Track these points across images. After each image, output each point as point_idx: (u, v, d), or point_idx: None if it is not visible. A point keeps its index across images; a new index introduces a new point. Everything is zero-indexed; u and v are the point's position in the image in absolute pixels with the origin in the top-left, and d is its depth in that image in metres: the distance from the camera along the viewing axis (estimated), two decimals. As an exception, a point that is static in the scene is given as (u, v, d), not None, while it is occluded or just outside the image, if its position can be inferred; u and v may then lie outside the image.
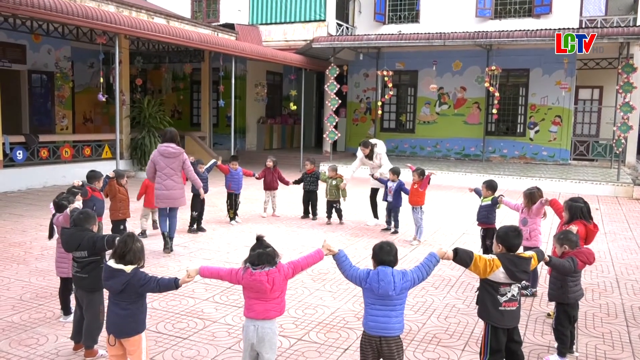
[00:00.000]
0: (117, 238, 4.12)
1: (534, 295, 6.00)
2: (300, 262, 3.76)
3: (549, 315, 5.40)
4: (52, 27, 14.23)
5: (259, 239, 3.64)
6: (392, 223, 9.12)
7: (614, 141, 14.63)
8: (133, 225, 8.33)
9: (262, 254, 3.54)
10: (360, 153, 9.88)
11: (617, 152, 14.61)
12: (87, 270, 4.33)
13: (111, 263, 3.63)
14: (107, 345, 3.72)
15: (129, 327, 3.63)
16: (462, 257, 3.73)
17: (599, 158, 18.55)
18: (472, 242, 8.53)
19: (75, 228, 4.41)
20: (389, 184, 9.00)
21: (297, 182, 10.25)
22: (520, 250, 3.97)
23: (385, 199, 9.16)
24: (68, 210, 4.68)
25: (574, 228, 4.92)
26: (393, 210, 9.06)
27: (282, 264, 3.62)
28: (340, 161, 17.25)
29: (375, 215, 9.73)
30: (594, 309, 5.74)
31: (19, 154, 12.62)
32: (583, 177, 15.08)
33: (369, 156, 9.76)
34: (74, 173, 12.71)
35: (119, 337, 3.65)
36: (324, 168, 15.73)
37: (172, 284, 3.61)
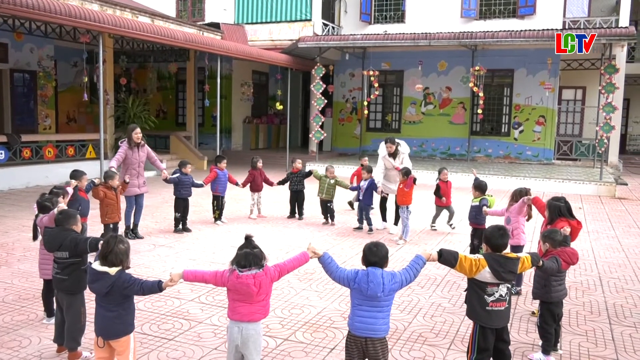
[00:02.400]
0: (101, 241, 4.09)
1: (518, 293, 6.05)
2: (286, 264, 3.75)
3: (533, 313, 5.45)
4: (35, 26, 14.05)
5: (248, 238, 3.62)
6: (365, 222, 9.19)
7: (597, 141, 14.81)
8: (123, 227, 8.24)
9: (249, 254, 3.52)
10: (382, 151, 9.24)
11: (600, 151, 14.79)
12: (67, 272, 4.28)
13: (95, 265, 3.59)
14: (95, 347, 3.69)
15: (117, 328, 3.60)
16: (446, 258, 3.75)
17: (582, 158, 18.77)
18: (458, 241, 8.58)
19: (58, 228, 4.36)
20: (361, 183, 9.07)
21: (281, 183, 10.22)
22: (508, 250, 3.99)
23: (358, 198, 9.21)
24: (55, 210, 4.63)
25: (567, 229, 4.95)
26: (364, 209, 9.10)
27: (268, 266, 3.60)
28: (326, 161, 17.27)
29: (384, 218, 9.50)
30: (578, 306, 5.80)
31: (1, 154, 12.44)
32: (566, 176, 15.24)
33: (393, 155, 9.16)
34: (57, 173, 12.58)
35: (107, 338, 3.61)
36: (312, 168, 15.73)
37: (156, 287, 3.58)
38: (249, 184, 10.05)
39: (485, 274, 3.73)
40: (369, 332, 3.51)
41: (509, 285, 3.84)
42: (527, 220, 6.25)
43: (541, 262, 4.18)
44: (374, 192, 9.09)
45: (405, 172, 8.48)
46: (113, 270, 3.54)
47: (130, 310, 3.67)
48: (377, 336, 3.52)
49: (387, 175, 9.29)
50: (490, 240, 3.87)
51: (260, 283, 3.51)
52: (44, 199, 4.99)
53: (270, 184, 10.22)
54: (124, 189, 7.55)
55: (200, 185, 9.06)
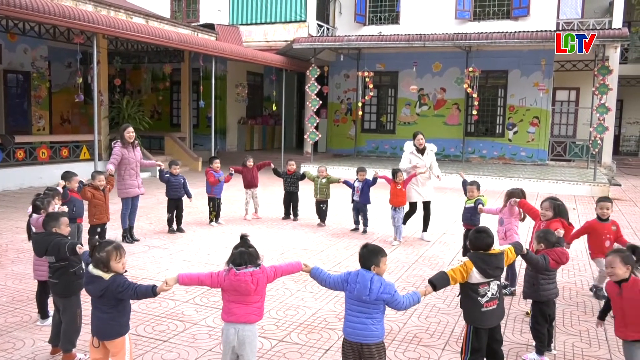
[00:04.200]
0: (78, 245, 4.11)
1: (512, 294, 6.07)
2: (282, 266, 3.78)
3: (527, 314, 5.46)
4: (29, 26, 14.01)
5: (243, 237, 3.64)
6: (361, 222, 9.18)
7: (591, 142, 14.87)
8: (112, 228, 8.22)
9: (244, 253, 3.53)
10: (409, 147, 8.71)
11: (594, 152, 14.85)
12: (57, 276, 4.31)
13: (91, 269, 3.59)
14: (90, 348, 3.69)
15: (112, 329, 3.60)
16: (441, 285, 3.79)
17: (575, 158, 18.85)
18: (452, 241, 8.59)
19: (43, 233, 4.39)
20: (356, 183, 9.06)
21: (276, 172, 10.19)
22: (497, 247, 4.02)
23: (352, 200, 9.18)
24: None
25: (560, 232, 4.99)
26: (361, 210, 9.10)
27: (264, 266, 3.62)
28: (321, 162, 17.25)
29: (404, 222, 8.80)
30: (572, 307, 5.82)
31: (-5, 155, 12.41)
32: (560, 177, 15.29)
33: (422, 151, 8.61)
34: (51, 174, 12.53)
35: (102, 339, 3.61)
36: (306, 169, 15.73)
37: (150, 292, 3.54)
38: (242, 182, 10.08)
39: (474, 275, 3.78)
40: (361, 338, 3.51)
41: (499, 282, 3.89)
42: (521, 221, 6.28)
43: (525, 250, 4.22)
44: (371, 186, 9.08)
45: (394, 172, 8.53)
46: (107, 275, 3.53)
47: (125, 312, 3.66)
48: (371, 342, 3.52)
49: (422, 177, 8.67)
50: (472, 242, 3.95)
51: (258, 281, 3.52)
52: (37, 198, 5.01)
53: (268, 164, 10.19)
54: (111, 183, 7.47)
55: (190, 195, 8.98)
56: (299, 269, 3.82)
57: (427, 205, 8.80)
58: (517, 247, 4.11)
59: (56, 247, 4.25)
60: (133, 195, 8.22)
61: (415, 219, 10.03)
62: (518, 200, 5.99)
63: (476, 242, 3.90)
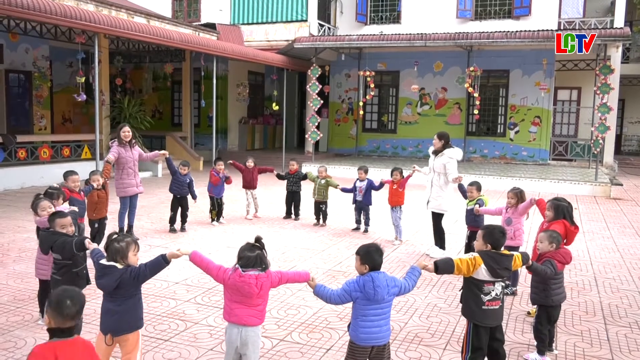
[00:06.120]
0: (87, 239, 4.12)
1: (514, 294, 6.06)
2: (288, 274, 3.80)
3: (529, 313, 5.47)
4: (30, 26, 14.01)
5: (258, 240, 3.64)
6: (363, 221, 9.17)
7: (592, 141, 14.86)
8: (112, 227, 8.22)
9: (252, 255, 3.53)
10: (431, 148, 8.02)
11: (595, 152, 14.84)
12: (61, 273, 4.38)
13: (103, 261, 3.61)
14: (100, 345, 3.65)
15: (127, 323, 3.59)
16: (443, 269, 3.79)
17: (577, 158, 18.83)
18: (454, 241, 8.58)
19: (50, 230, 4.44)
20: (358, 183, 9.05)
21: (279, 176, 10.19)
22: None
23: (354, 200, 9.17)
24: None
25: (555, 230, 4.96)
26: (364, 210, 9.11)
27: (270, 271, 3.63)
28: (322, 161, 17.25)
29: (442, 245, 7.83)
30: (573, 307, 5.81)
31: (-4, 154, 12.42)
32: (562, 177, 15.28)
33: (437, 152, 7.77)
34: (53, 174, 12.54)
35: (117, 334, 3.58)
36: (307, 169, 15.74)
37: (161, 261, 3.59)
38: (241, 182, 10.10)
39: (481, 271, 3.77)
40: (375, 342, 3.55)
41: (503, 284, 3.89)
42: (526, 218, 6.27)
43: (530, 262, 4.20)
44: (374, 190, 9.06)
45: (392, 170, 8.53)
46: (120, 265, 3.57)
47: (139, 305, 3.68)
48: (383, 343, 3.57)
49: (431, 183, 7.81)
50: (495, 240, 3.88)
51: (262, 285, 3.52)
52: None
53: (271, 170, 10.20)
54: (108, 170, 7.48)
55: (194, 197, 9.02)
56: (306, 280, 3.82)
57: (434, 217, 7.80)
58: (525, 257, 4.09)
59: (61, 246, 4.28)
60: (131, 194, 8.21)
61: (412, 221, 10.01)
62: (537, 199, 5.95)
63: (498, 239, 3.87)
